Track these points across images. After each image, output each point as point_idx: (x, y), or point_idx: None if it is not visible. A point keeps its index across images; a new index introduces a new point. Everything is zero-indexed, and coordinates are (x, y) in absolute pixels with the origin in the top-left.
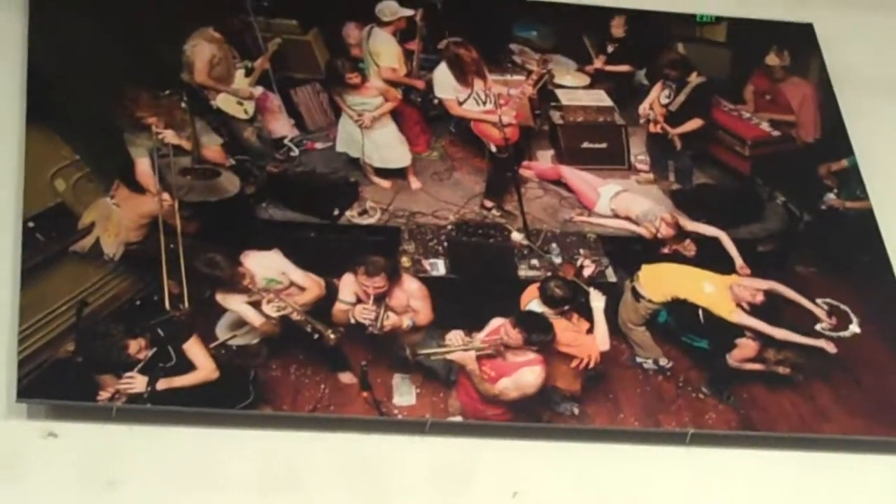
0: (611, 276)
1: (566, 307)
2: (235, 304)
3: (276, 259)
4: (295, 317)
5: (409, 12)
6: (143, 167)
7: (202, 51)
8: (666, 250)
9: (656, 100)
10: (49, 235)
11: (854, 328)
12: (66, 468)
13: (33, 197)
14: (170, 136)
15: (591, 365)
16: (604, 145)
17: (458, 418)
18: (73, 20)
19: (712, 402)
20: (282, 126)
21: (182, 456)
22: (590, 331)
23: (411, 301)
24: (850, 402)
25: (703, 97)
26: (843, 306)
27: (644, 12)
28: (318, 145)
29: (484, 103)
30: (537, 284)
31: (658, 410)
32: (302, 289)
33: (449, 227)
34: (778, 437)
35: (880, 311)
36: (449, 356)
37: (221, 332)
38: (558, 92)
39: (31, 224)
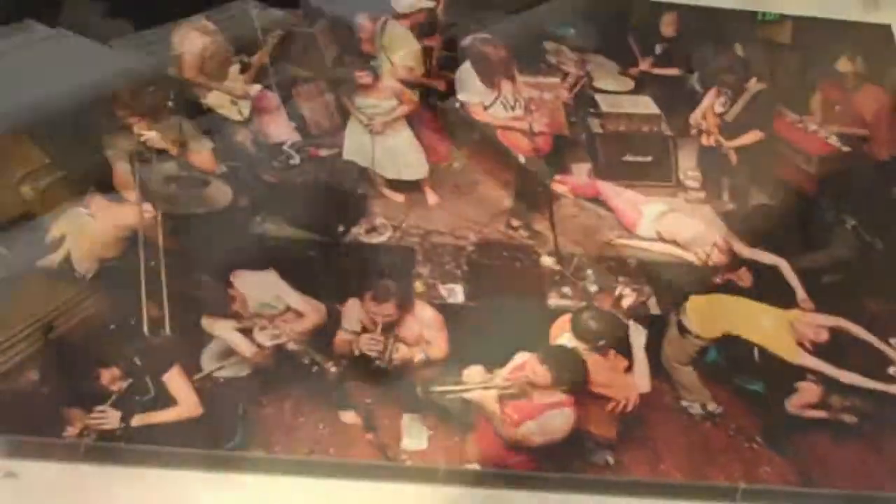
0: (654, 307)
1: (602, 342)
2: (223, 330)
3: (271, 280)
4: (291, 346)
5: (429, 4)
6: (123, 173)
7: (193, 42)
8: (718, 280)
9: (710, 108)
10: (13, 249)
11: None
12: None
13: None
14: (153, 139)
15: (629, 408)
16: (648, 158)
17: (476, 466)
18: None
19: (767, 453)
20: (281, 130)
21: (159, 502)
22: (628, 369)
23: (425, 331)
24: None
25: (763, 106)
26: None
27: (698, 8)
28: (323, 152)
29: (513, 108)
30: (569, 316)
31: (704, 462)
32: (300, 315)
33: (470, 248)
34: (842, 495)
35: None
36: (466, 395)
37: (207, 362)
38: (598, 97)
39: None
